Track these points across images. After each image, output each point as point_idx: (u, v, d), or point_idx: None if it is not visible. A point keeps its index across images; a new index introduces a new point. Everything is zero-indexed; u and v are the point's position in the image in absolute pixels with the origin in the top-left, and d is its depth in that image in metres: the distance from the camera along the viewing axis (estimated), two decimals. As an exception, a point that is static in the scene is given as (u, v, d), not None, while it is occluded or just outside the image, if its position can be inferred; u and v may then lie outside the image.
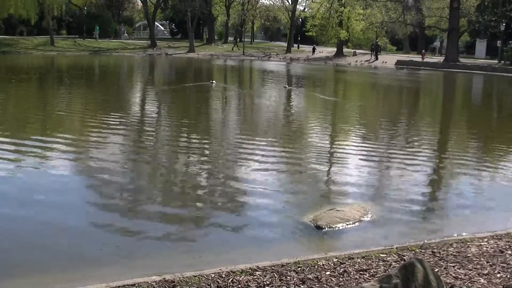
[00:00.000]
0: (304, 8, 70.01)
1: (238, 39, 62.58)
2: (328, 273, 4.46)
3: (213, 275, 4.38)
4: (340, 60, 49.25)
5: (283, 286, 4.20)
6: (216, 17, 69.50)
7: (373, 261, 4.74)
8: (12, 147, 9.96)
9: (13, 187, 7.52)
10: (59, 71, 34.52)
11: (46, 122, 13.61)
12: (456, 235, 5.79)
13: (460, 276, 4.41)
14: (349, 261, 4.75)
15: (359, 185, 8.13)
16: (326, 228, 6.08)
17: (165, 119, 15.15)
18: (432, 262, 4.66)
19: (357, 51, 55.05)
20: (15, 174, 8.18)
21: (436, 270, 4.32)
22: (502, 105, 23.75)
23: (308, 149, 10.90)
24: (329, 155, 10.60)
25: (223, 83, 28.02)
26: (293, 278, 4.33)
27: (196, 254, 5.35)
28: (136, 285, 4.20)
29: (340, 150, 10.93)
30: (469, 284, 4.25)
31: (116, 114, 14.86)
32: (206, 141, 11.49)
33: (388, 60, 47.30)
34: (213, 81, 25.45)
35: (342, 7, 51.13)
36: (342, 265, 4.63)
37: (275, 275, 4.38)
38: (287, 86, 25.29)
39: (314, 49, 55.02)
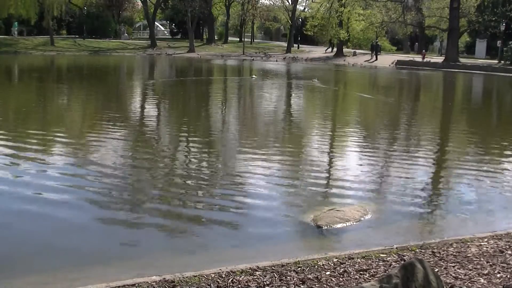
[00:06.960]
0: (304, 8, 69.97)
1: (332, 42, 56.34)
2: (328, 273, 4.45)
3: (213, 275, 4.38)
4: (340, 60, 49.25)
5: (283, 286, 4.20)
6: (216, 17, 69.38)
7: (373, 261, 4.74)
8: (13, 144, 9.96)
9: (12, 185, 7.52)
10: (68, 71, 34.51)
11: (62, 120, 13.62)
12: (456, 235, 5.78)
13: (460, 276, 4.40)
14: (349, 261, 4.74)
15: (359, 185, 8.12)
16: (326, 228, 6.09)
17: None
18: (432, 262, 4.66)
19: (357, 51, 55.04)
20: (15, 171, 8.18)
21: (436, 270, 4.32)
22: (503, 106, 23.72)
23: (308, 148, 10.90)
24: (329, 154, 10.61)
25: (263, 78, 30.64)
26: (293, 278, 4.32)
27: (196, 254, 5.35)
28: (136, 285, 4.20)
29: (341, 150, 10.93)
30: (469, 284, 4.25)
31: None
32: (206, 138, 11.52)
33: (388, 60, 47.26)
34: (254, 76, 28.33)
35: (342, 7, 51.09)
36: (342, 265, 4.63)
37: (275, 275, 4.38)
38: (317, 80, 27.71)
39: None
